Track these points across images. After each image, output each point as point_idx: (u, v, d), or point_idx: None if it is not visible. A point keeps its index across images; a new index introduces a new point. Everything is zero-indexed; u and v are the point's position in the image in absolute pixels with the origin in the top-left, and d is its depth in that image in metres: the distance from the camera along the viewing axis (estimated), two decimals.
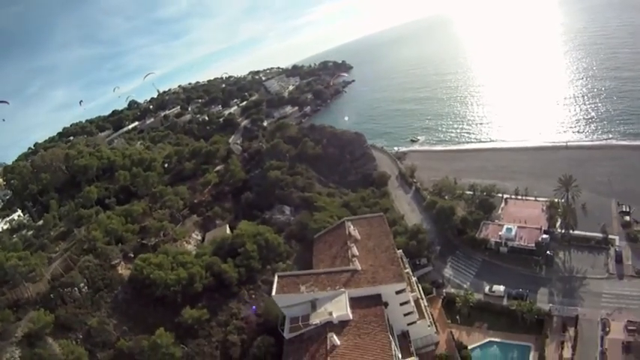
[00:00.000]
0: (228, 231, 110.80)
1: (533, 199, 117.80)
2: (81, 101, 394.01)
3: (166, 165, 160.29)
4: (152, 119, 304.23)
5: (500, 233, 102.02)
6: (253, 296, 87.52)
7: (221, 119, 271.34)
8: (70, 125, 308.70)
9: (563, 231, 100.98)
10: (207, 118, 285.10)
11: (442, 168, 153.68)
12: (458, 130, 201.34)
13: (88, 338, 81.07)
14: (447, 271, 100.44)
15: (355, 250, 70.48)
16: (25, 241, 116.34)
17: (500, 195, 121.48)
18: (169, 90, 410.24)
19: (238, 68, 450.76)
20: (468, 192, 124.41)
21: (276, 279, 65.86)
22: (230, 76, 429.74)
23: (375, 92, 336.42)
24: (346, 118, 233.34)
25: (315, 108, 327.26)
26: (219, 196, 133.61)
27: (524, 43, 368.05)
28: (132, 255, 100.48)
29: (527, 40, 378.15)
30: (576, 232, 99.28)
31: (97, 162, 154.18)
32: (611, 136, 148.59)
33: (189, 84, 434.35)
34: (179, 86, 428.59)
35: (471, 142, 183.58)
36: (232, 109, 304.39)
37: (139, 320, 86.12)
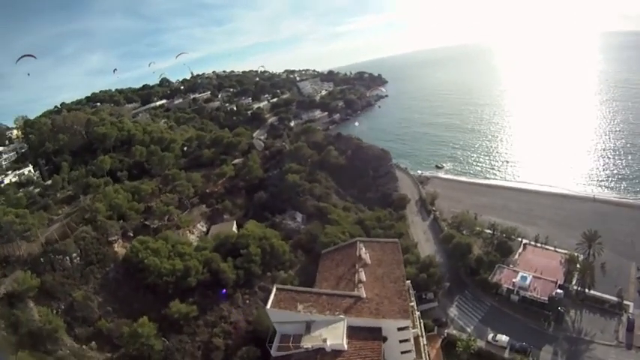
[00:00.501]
0: (234, 228, 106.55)
1: (552, 248, 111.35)
2: (115, 69, 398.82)
3: (185, 148, 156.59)
4: (181, 100, 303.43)
5: (514, 280, 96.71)
6: (247, 301, 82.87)
7: (249, 112, 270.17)
8: (99, 91, 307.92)
9: (578, 288, 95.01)
10: (235, 108, 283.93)
11: (464, 200, 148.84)
12: (484, 164, 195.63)
13: (70, 311, 77.62)
14: (453, 311, 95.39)
15: (363, 276, 65.31)
16: (30, 198, 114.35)
17: (519, 239, 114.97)
18: (203, 74, 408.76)
19: (275, 64, 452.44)
20: (488, 230, 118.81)
21: (274, 291, 60.88)
22: (265, 71, 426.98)
23: (406, 111, 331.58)
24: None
25: (345, 117, 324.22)
26: (232, 190, 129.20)
27: (562, 83, 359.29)
28: (131, 234, 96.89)
29: (566, 80, 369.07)
30: (591, 291, 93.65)
31: (117, 132, 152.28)
32: None
33: (224, 72, 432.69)
34: (213, 72, 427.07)
35: (497, 178, 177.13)
36: (262, 104, 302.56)
37: (125, 303, 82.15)
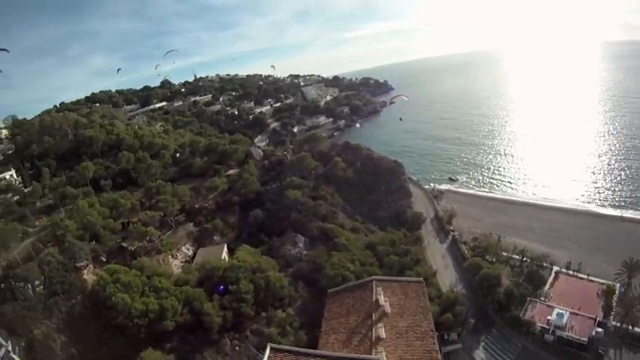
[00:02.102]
0: (224, 253, 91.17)
1: (586, 277, 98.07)
2: (119, 69, 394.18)
3: (178, 154, 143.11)
4: (181, 102, 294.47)
5: (549, 318, 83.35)
6: (237, 348, 68.19)
7: (251, 116, 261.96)
8: (99, 92, 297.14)
9: (617, 324, 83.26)
10: (237, 112, 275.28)
11: (483, 219, 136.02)
12: (501, 178, 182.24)
13: (29, 351, 63.49)
14: (479, 354, 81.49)
15: (382, 332, 51.10)
16: (6, 207, 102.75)
17: (549, 266, 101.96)
18: (206, 77, 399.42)
19: (280, 69, 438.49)
20: (516, 257, 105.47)
21: (267, 352, 46.48)
22: (269, 75, 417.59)
23: (413, 120, 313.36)
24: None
25: (350, 123, 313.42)
26: (224, 206, 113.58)
27: (572, 93, 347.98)
28: (104, 259, 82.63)
29: (575, 90, 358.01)
30: (635, 328, 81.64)
31: (105, 136, 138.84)
32: None
33: (227, 75, 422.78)
34: (217, 75, 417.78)
35: (516, 193, 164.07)
36: (264, 109, 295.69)
37: (91, 345, 67.41)
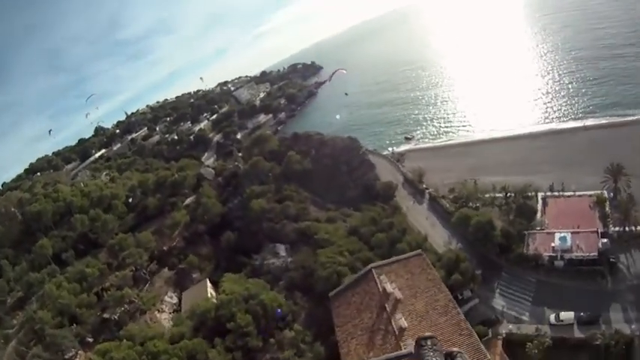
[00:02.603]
0: (209, 290, 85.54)
1: (572, 193, 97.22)
2: (50, 130, 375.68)
3: (130, 200, 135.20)
4: (119, 144, 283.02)
5: (553, 245, 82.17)
6: None
7: (191, 136, 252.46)
8: (36, 160, 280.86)
9: (619, 229, 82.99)
10: (176, 136, 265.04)
11: (453, 167, 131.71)
12: (457, 123, 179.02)
13: None
14: (498, 302, 79.55)
15: (402, 321, 46.89)
16: None
17: (534, 194, 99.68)
18: (137, 111, 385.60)
19: (208, 80, 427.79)
20: (499, 195, 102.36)
21: None
22: (198, 90, 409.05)
23: (351, 92, 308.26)
24: (337, 117, 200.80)
25: (290, 113, 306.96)
26: (193, 240, 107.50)
27: (511, 25, 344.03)
28: (91, 339, 75.76)
29: (514, 21, 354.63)
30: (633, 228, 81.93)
31: (52, 206, 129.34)
32: (629, 111, 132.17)
33: (157, 102, 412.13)
34: (147, 106, 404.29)
35: (475, 133, 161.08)
36: (202, 124, 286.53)
37: None
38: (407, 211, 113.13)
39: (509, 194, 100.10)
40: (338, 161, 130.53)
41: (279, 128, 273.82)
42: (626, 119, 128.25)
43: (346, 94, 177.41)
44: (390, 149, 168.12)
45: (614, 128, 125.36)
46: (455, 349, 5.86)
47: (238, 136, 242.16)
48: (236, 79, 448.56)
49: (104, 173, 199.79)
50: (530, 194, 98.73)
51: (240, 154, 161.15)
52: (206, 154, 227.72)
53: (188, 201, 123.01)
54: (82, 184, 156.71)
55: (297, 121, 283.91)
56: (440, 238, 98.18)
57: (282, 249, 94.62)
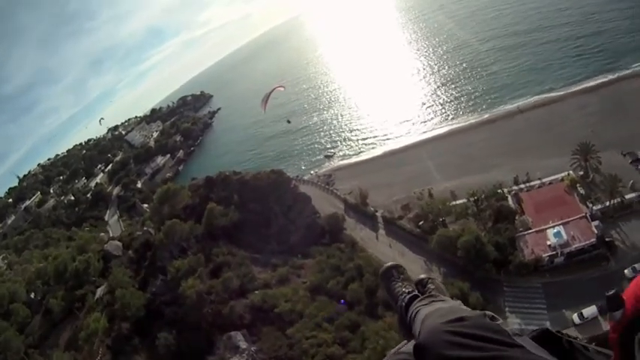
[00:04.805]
0: None
1: (540, 182, 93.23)
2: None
3: (32, 295, 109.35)
4: (13, 217, 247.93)
5: (549, 243, 77.51)
6: None
7: (88, 194, 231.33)
8: None
9: (601, 206, 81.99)
10: (72, 197, 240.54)
11: (392, 180, 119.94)
12: (375, 133, 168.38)
13: None
14: (512, 321, 70.49)
15: None
16: None
17: (504, 193, 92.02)
18: (29, 172, 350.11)
19: (97, 129, 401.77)
20: (469, 200, 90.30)
21: None
22: (89, 140, 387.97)
23: (247, 116, 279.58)
24: (289, 122, 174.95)
25: (189, 150, 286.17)
26: (120, 348, 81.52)
27: (390, 30, 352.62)
28: None
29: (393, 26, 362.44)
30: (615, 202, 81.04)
31: None
32: (552, 87, 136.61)
33: (49, 159, 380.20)
34: (38, 165, 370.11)
35: (404, 140, 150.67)
36: (98, 178, 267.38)
37: None
38: (364, 244, 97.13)
39: (477, 198, 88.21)
40: (267, 202, 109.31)
41: (179, 168, 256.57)
42: (555, 94, 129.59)
43: (289, 121, 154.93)
44: (312, 172, 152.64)
45: (547, 106, 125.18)
46: (423, 275, 4.07)
47: (139, 185, 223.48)
48: (126, 121, 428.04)
49: (0, 257, 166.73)
50: (502, 193, 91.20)
51: (146, 207, 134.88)
52: (108, 212, 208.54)
53: (99, 292, 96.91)
54: None
55: (198, 156, 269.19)
56: (416, 266, 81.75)
57: (240, 338, 71.06)
